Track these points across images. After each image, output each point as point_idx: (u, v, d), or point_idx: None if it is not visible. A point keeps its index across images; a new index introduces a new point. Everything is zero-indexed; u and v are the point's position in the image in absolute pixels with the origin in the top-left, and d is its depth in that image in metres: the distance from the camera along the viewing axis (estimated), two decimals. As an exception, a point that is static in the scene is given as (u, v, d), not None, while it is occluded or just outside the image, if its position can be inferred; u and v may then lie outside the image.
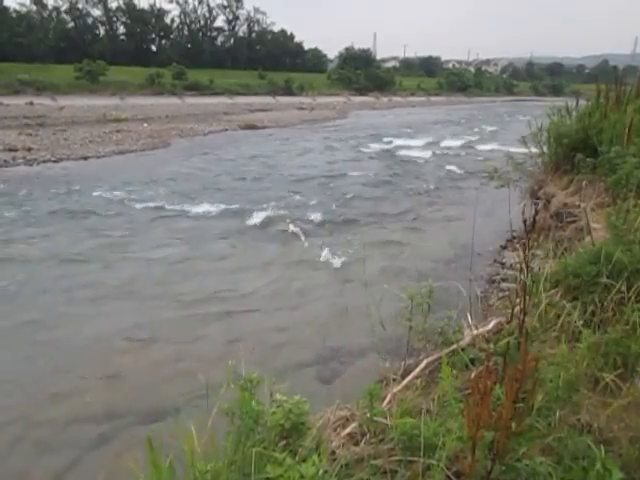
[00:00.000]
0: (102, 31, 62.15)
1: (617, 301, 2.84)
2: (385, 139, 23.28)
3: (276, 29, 74.14)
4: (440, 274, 5.97)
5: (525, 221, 2.47)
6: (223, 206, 10.14)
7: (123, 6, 61.62)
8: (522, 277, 2.45)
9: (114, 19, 62.64)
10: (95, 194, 10.94)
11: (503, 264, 6.54)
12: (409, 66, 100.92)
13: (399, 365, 3.21)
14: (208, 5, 69.44)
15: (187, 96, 42.94)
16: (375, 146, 20.71)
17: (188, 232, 8.50)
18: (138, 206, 10.11)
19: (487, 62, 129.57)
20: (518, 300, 2.41)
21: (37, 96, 33.44)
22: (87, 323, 5.29)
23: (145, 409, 3.88)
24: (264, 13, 75.21)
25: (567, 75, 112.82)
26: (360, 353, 4.67)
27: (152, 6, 63.97)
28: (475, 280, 4.68)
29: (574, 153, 6.78)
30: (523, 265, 2.44)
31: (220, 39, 71.92)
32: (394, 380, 2.92)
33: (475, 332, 3.13)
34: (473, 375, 1.98)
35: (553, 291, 3.19)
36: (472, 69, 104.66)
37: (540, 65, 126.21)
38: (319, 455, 1.81)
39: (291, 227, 8.81)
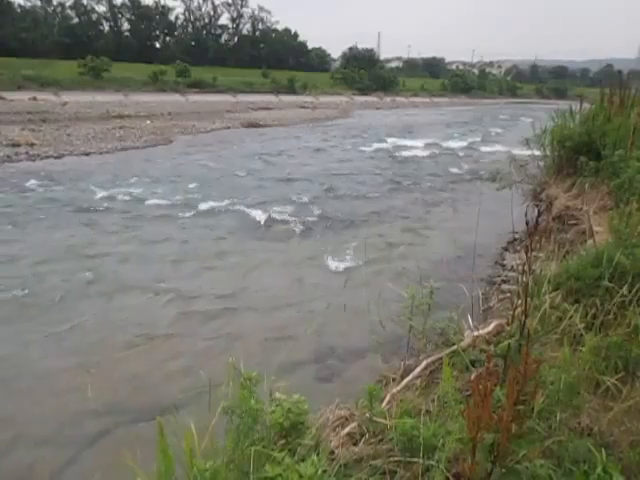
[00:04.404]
0: (106, 27, 62.29)
1: (619, 304, 2.83)
2: (388, 139, 23.26)
3: (280, 28, 74.36)
4: (441, 275, 5.96)
5: (527, 223, 2.45)
6: (224, 204, 10.13)
7: (128, 3, 61.76)
8: (524, 279, 2.44)
9: (119, 15, 62.76)
10: (96, 190, 10.93)
11: (504, 266, 6.53)
12: (413, 67, 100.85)
13: (399, 365, 3.21)
14: (212, 3, 69.67)
15: (190, 94, 42.92)
16: (377, 146, 20.69)
17: (188, 229, 8.50)
18: (139, 202, 10.10)
19: (491, 64, 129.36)
20: (519, 302, 2.41)
21: (40, 92, 33.43)
22: (86, 318, 5.28)
23: (144, 407, 3.88)
24: (268, 12, 75.29)
25: (571, 78, 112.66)
26: (360, 353, 4.66)
27: (157, 3, 64.21)
28: (476, 281, 4.67)
29: (577, 156, 6.77)
30: (525, 267, 2.42)
31: (224, 37, 72.02)
32: (394, 380, 2.92)
33: (476, 333, 3.13)
34: (474, 376, 1.98)
35: (554, 293, 3.18)
36: (476, 71, 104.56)
37: (544, 68, 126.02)
38: (318, 455, 1.81)
39: (291, 226, 8.81)
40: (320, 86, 57.99)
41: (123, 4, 61.97)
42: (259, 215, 9.35)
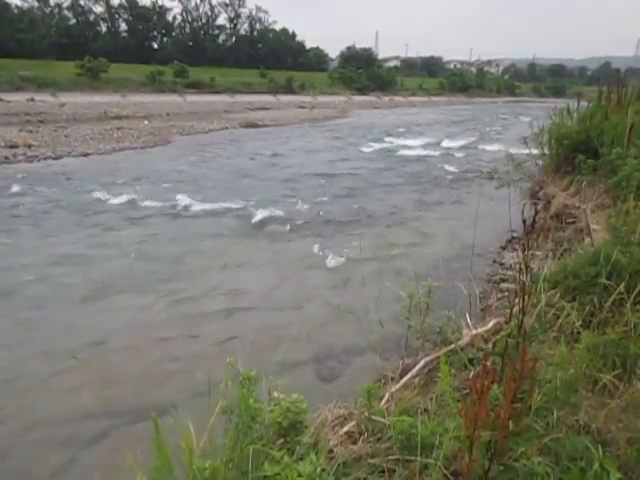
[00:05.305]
0: (104, 28, 62.24)
1: (616, 302, 2.84)
2: (386, 138, 23.27)
3: (278, 28, 74.34)
4: (439, 274, 5.96)
5: (525, 222, 2.46)
6: (222, 204, 10.13)
7: (125, 3, 61.69)
8: (521, 277, 2.44)
9: (116, 16, 62.72)
10: (94, 191, 10.91)
11: (502, 264, 6.53)
12: (411, 66, 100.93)
13: (397, 364, 3.21)
14: (210, 3, 69.63)
15: (188, 94, 42.91)
16: (375, 145, 20.69)
17: (186, 230, 8.50)
18: (137, 203, 10.09)
19: (489, 63, 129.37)
20: (517, 300, 2.41)
21: (38, 93, 33.39)
22: (85, 320, 5.28)
23: (143, 406, 3.88)
24: (266, 12, 75.40)
25: (569, 77, 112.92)
26: (358, 352, 4.66)
27: (154, 3, 64.13)
28: (474, 280, 4.67)
29: (575, 154, 6.78)
30: (522, 265, 2.43)
31: (222, 37, 72.01)
32: (392, 379, 2.93)
33: (474, 332, 3.13)
34: (471, 375, 1.98)
35: (552, 292, 3.19)
36: (474, 70, 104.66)
37: (542, 66, 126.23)
38: (317, 453, 1.81)
39: (289, 226, 8.81)
40: (318, 86, 57.97)
41: (120, 5, 61.94)
42: (258, 215, 9.34)
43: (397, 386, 2.73)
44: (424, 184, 12.89)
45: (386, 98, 60.47)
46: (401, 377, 2.89)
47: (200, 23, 69.88)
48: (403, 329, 3.43)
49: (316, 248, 7.59)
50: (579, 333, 2.71)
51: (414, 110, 48.57)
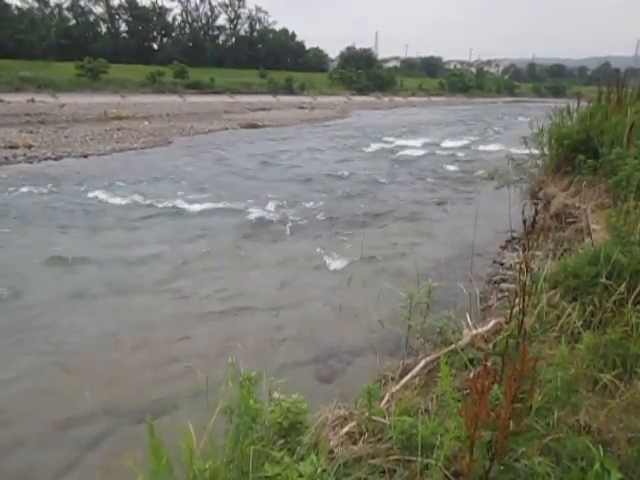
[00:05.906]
0: (104, 29, 62.16)
1: (617, 302, 2.84)
2: (385, 139, 23.27)
3: (278, 28, 74.32)
4: (439, 274, 5.96)
5: (525, 222, 2.45)
6: (222, 205, 10.13)
7: (125, 4, 61.64)
8: (522, 277, 2.44)
9: (116, 17, 62.67)
10: (93, 192, 10.92)
11: (503, 264, 6.53)
12: (410, 66, 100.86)
13: (398, 364, 3.21)
14: (210, 4, 69.57)
15: (188, 94, 42.90)
16: (375, 146, 20.69)
17: (187, 230, 8.49)
18: (136, 204, 10.10)
19: (489, 63, 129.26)
20: (517, 300, 2.41)
21: (38, 93, 33.37)
22: (85, 320, 5.28)
23: (144, 407, 3.88)
24: (266, 12, 75.18)
25: (569, 77, 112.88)
26: (359, 352, 4.67)
27: (154, 4, 64.10)
28: (475, 280, 4.67)
29: (575, 154, 6.77)
30: (523, 265, 2.43)
31: (222, 38, 71.99)
32: (393, 379, 2.93)
33: (474, 332, 3.13)
34: (472, 375, 1.98)
35: (552, 292, 3.19)
36: (474, 70, 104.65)
37: (542, 66, 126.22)
38: (317, 454, 1.81)
39: (290, 226, 8.81)
40: (318, 86, 57.97)
41: (120, 5, 61.91)
42: (259, 215, 9.35)
43: (397, 386, 2.73)
44: (424, 184, 12.90)
45: (386, 98, 60.47)
46: (401, 377, 2.88)
47: (200, 24, 69.86)
48: (403, 329, 3.43)
49: (318, 248, 7.59)
50: (579, 333, 2.70)
51: (414, 110, 48.56)
